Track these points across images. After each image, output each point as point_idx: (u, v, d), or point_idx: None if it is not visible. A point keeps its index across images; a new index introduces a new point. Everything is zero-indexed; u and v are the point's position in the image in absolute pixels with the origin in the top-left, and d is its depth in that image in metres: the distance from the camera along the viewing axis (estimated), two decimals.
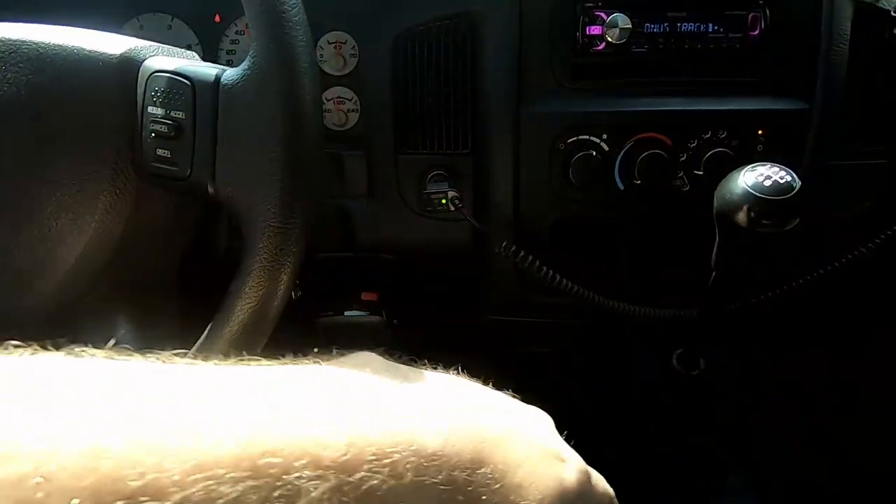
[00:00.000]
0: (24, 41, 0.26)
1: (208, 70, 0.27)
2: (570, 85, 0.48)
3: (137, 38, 0.30)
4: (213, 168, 0.26)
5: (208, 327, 0.27)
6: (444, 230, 0.54)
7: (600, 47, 0.48)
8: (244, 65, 0.26)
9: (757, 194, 0.32)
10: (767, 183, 0.33)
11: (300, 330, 0.59)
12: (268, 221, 0.25)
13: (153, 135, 0.26)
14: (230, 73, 0.26)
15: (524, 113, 0.48)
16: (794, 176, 0.34)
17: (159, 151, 0.26)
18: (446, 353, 0.76)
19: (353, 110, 0.53)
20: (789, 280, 0.52)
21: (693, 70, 0.49)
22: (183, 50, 0.30)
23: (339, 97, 0.51)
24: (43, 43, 0.26)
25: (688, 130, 0.48)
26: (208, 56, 0.52)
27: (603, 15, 0.47)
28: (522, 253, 0.48)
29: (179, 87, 0.26)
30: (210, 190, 0.26)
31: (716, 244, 0.41)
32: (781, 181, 0.33)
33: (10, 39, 0.26)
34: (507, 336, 0.59)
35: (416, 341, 0.72)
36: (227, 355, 0.26)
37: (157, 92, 0.26)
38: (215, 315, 0.26)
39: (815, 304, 0.61)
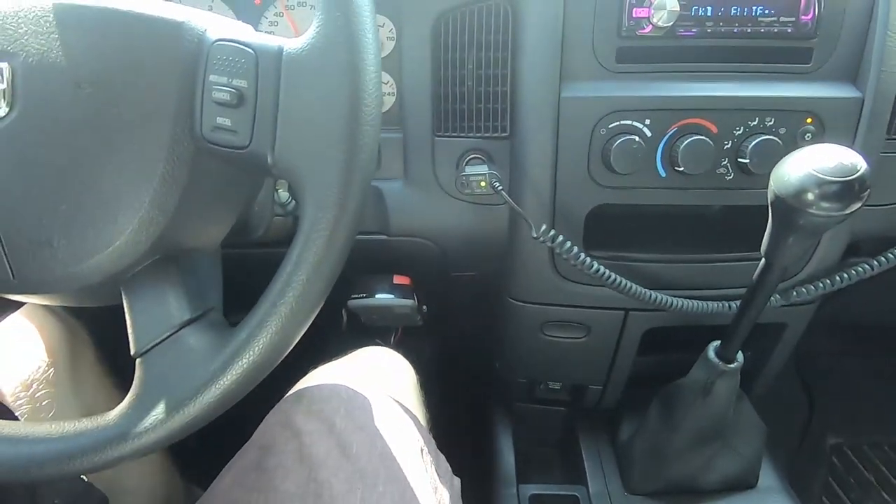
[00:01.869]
0: (88, 6, 0.26)
1: (272, 40, 0.26)
2: (613, 68, 0.47)
3: None
4: (274, 137, 0.26)
5: (263, 296, 0.26)
6: (479, 214, 0.53)
7: (646, 30, 0.47)
8: (309, 35, 0.26)
9: (820, 175, 0.31)
10: (832, 163, 0.31)
11: (331, 311, 0.59)
12: (326, 190, 0.25)
13: (214, 102, 0.26)
14: (294, 43, 0.26)
15: (565, 96, 0.47)
16: (860, 157, 0.32)
17: (219, 120, 0.26)
18: (475, 336, 0.76)
19: (389, 94, 0.53)
20: (836, 274, 0.51)
21: (742, 55, 0.47)
22: (241, 22, 0.29)
23: None
24: (107, 8, 0.26)
25: (734, 117, 0.46)
26: None
27: None
28: (561, 238, 0.48)
29: (243, 56, 0.26)
30: (269, 160, 0.26)
31: (768, 230, 0.39)
32: (846, 162, 0.31)
33: (73, 4, 0.26)
34: (538, 322, 0.59)
35: (446, 327, 0.72)
36: (280, 323, 0.26)
37: (219, 60, 0.26)
38: (269, 285, 0.26)
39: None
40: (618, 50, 0.47)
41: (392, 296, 0.57)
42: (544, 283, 0.54)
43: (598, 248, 0.52)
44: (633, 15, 0.46)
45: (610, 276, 0.49)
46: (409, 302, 0.57)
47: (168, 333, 0.28)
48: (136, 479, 0.54)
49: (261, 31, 0.57)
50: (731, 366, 0.50)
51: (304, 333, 0.28)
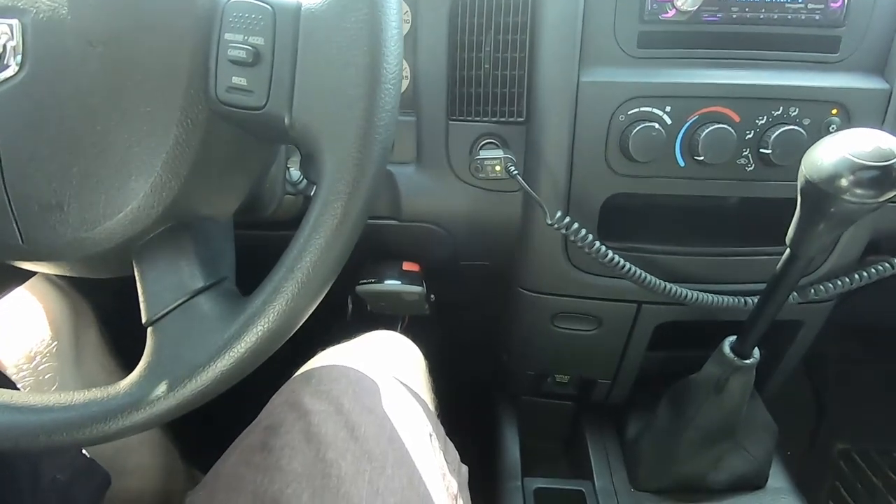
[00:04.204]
0: None
1: None
2: (634, 53, 0.46)
3: None
4: (291, 98, 0.25)
5: (279, 262, 0.26)
6: (492, 201, 0.52)
7: (669, 14, 0.45)
8: None
9: (856, 159, 0.30)
10: (868, 147, 0.30)
11: (339, 296, 0.59)
12: (345, 152, 0.24)
13: (229, 62, 0.25)
14: (313, 0, 0.25)
15: (584, 81, 0.46)
16: None
17: (234, 80, 0.25)
18: (483, 327, 0.75)
19: (403, 77, 0.52)
20: (855, 272, 0.50)
21: (767, 42, 0.46)
22: None
23: None
24: None
25: (757, 106, 0.45)
26: None
27: None
28: (576, 225, 0.47)
29: (259, 12, 0.25)
30: (286, 121, 0.25)
31: (795, 218, 0.38)
32: (884, 146, 0.30)
33: None
34: (548, 314, 0.58)
35: (453, 317, 0.71)
36: (297, 289, 0.25)
37: (235, 17, 0.25)
38: (286, 251, 0.26)
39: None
40: (639, 34, 0.46)
41: (401, 282, 0.56)
42: (556, 273, 0.53)
43: (613, 238, 0.50)
44: None
45: (625, 266, 0.48)
46: (417, 289, 0.56)
47: (181, 300, 0.27)
48: (138, 458, 0.54)
49: None
50: (747, 361, 0.49)
51: (308, 320, 0.27)
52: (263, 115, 0.25)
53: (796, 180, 0.37)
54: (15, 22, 0.26)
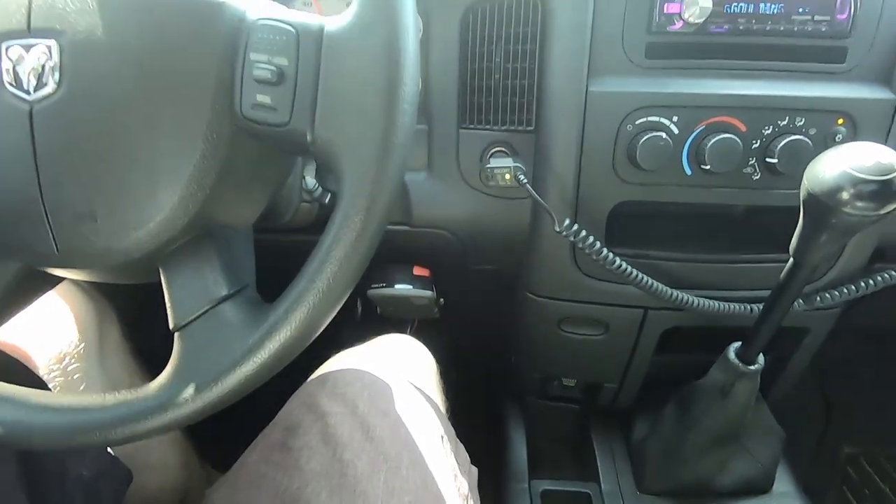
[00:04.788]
0: None
1: (312, 18, 0.27)
2: (642, 63, 0.47)
3: None
4: (313, 115, 0.26)
5: (301, 272, 0.27)
6: (501, 208, 0.53)
7: (677, 26, 0.46)
8: (349, 15, 0.26)
9: (856, 173, 0.31)
10: (868, 162, 0.31)
11: (349, 298, 0.60)
12: (365, 168, 0.26)
13: (254, 80, 0.26)
14: (335, 22, 0.26)
15: (593, 90, 0.47)
16: None
17: (259, 97, 0.26)
18: (491, 331, 0.76)
19: None
20: (861, 280, 0.50)
21: (774, 53, 0.47)
22: (277, 3, 0.30)
23: None
24: None
25: (763, 116, 0.46)
26: None
27: None
28: (584, 233, 0.48)
29: (284, 34, 0.26)
30: (308, 137, 0.26)
31: (798, 229, 0.39)
32: (884, 161, 0.31)
33: None
34: (556, 318, 0.59)
35: (462, 320, 0.72)
36: (317, 299, 0.27)
37: (260, 38, 0.26)
38: (307, 261, 0.27)
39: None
40: (647, 45, 0.47)
41: (412, 286, 0.57)
42: (564, 279, 0.54)
43: (620, 244, 0.51)
44: (665, 10, 0.46)
45: (632, 273, 0.49)
46: (428, 293, 0.57)
47: (207, 307, 0.28)
48: (157, 455, 0.55)
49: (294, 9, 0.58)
50: (752, 368, 0.50)
51: None
52: (286, 131, 0.27)
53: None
54: (53, 43, 0.27)
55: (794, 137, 0.45)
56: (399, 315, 0.62)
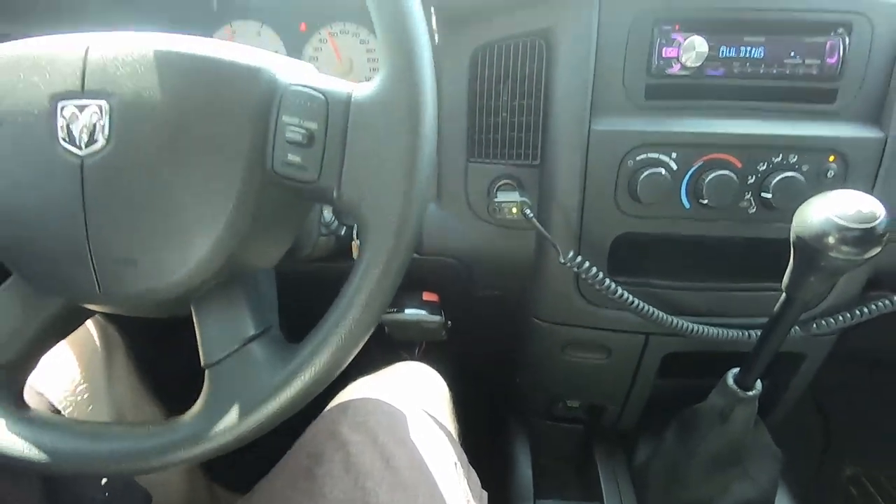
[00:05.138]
0: (181, 52, 0.29)
1: (341, 85, 0.29)
2: (642, 104, 0.49)
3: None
4: (340, 174, 0.29)
5: (327, 315, 0.29)
6: (508, 238, 0.56)
7: (675, 69, 0.49)
8: (375, 83, 0.29)
9: (839, 221, 0.33)
10: (851, 210, 0.33)
11: None
12: (386, 222, 0.28)
13: (286, 141, 0.29)
14: (362, 90, 0.29)
15: (595, 129, 0.49)
16: (879, 204, 0.34)
17: (290, 157, 0.29)
18: (497, 353, 0.77)
19: None
20: (857, 308, 0.52)
21: (767, 94, 0.49)
22: (306, 63, 0.32)
23: None
24: (196, 55, 0.29)
25: (758, 153, 0.48)
26: None
27: (679, 38, 0.48)
28: (587, 264, 0.50)
29: (314, 100, 0.29)
30: (334, 194, 0.29)
31: (790, 267, 0.41)
32: (866, 210, 0.33)
33: (169, 51, 0.29)
34: (560, 342, 0.61)
35: (468, 342, 0.74)
36: (340, 342, 0.29)
37: (292, 102, 0.29)
38: (332, 305, 0.29)
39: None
40: (647, 87, 0.49)
41: (422, 311, 0.59)
42: (568, 306, 0.56)
43: (622, 273, 0.53)
44: (663, 55, 0.48)
45: (633, 302, 0.51)
46: (437, 318, 0.59)
47: (237, 346, 0.31)
48: (167, 474, 0.57)
49: (304, 57, 0.61)
50: (750, 393, 0.52)
51: None
52: (314, 187, 0.29)
53: None
54: (104, 103, 0.30)
55: (787, 174, 0.48)
56: (408, 337, 0.64)
